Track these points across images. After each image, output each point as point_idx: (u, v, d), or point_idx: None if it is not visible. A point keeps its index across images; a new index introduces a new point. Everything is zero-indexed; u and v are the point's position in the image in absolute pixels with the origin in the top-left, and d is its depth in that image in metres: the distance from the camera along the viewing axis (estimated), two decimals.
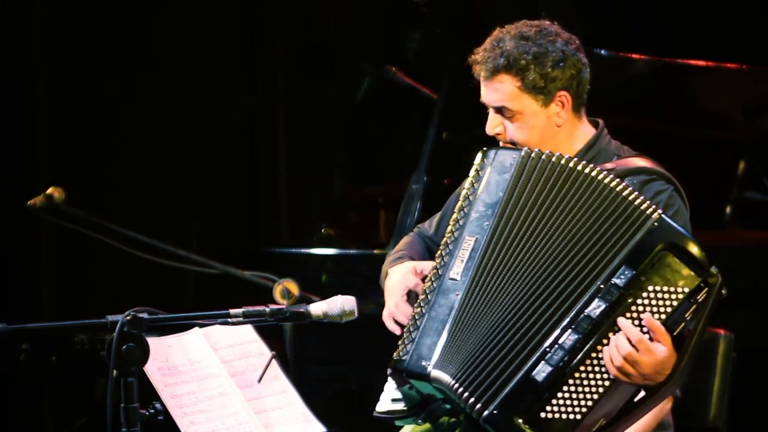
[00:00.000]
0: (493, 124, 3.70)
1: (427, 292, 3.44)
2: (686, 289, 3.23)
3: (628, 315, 3.25)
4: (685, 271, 3.25)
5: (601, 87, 5.90)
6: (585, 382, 3.27)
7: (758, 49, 6.15)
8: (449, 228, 3.49)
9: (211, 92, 6.74)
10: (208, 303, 5.91)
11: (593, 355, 3.26)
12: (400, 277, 3.62)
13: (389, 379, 3.50)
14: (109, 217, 5.06)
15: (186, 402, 3.49)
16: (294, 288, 4.82)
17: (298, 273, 4.95)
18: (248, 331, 3.68)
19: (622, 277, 3.26)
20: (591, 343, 3.26)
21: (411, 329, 3.42)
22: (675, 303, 3.23)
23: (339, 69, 7.13)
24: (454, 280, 3.42)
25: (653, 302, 3.24)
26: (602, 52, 5.84)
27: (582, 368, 3.26)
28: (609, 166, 3.57)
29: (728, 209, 6.13)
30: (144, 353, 3.12)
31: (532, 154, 3.46)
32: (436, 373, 3.35)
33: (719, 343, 3.89)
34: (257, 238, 6.99)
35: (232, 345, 3.65)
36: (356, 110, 7.14)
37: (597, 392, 3.26)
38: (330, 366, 5.36)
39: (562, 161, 3.43)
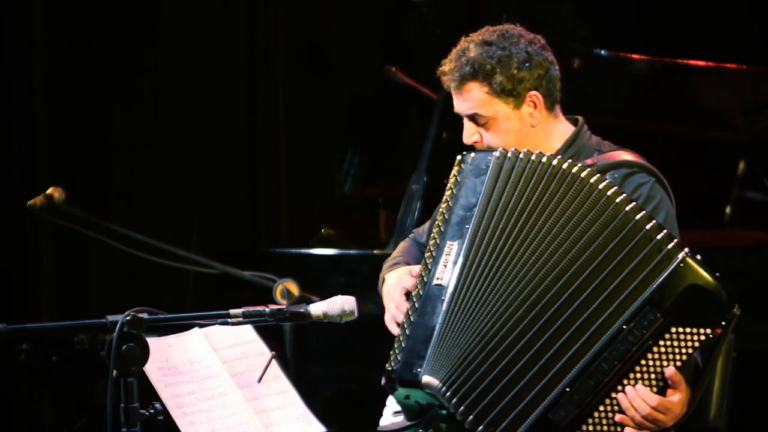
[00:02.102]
0: (469, 133, 3.69)
1: (414, 299, 3.42)
2: (708, 331, 3.20)
3: (649, 356, 3.22)
4: (709, 314, 3.21)
5: (602, 87, 5.92)
6: (604, 422, 3.24)
7: (758, 49, 6.15)
8: (432, 234, 3.47)
9: (212, 92, 6.74)
10: (208, 303, 5.93)
11: (612, 395, 3.24)
12: (395, 279, 3.62)
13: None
14: (109, 216, 5.06)
15: (186, 402, 3.49)
16: (294, 288, 4.83)
17: (298, 273, 4.95)
18: (248, 331, 3.68)
19: (646, 320, 3.21)
20: (612, 384, 3.23)
21: (401, 338, 3.41)
22: (696, 344, 3.21)
23: (339, 69, 7.13)
24: (439, 285, 3.39)
25: (674, 343, 3.21)
26: (602, 52, 5.84)
27: (601, 408, 3.24)
28: (589, 161, 3.55)
29: (728, 209, 6.13)
30: (144, 353, 3.12)
31: (508, 154, 3.44)
32: (427, 378, 3.34)
33: None
34: (257, 238, 6.99)
35: (232, 345, 3.65)
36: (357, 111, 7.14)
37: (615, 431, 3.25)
38: (330, 366, 5.36)
39: (543, 159, 3.40)
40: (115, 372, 3.09)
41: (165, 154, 6.62)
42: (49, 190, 4.95)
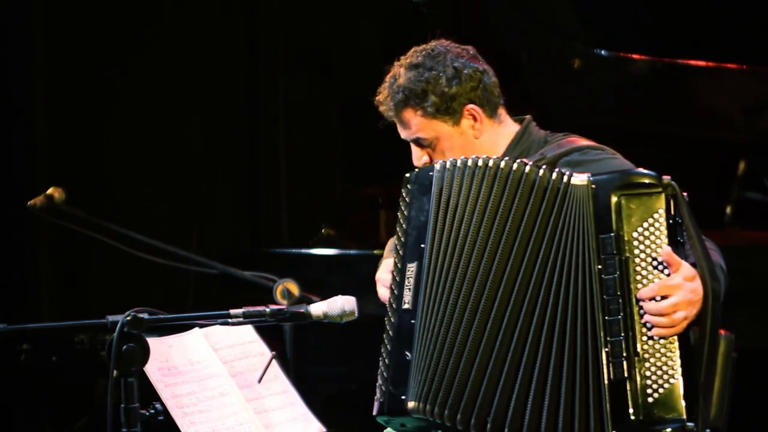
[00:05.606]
0: (418, 156, 3.71)
1: (388, 327, 3.41)
2: (660, 210, 3.21)
3: (637, 267, 3.19)
4: (647, 197, 3.21)
5: (601, 87, 5.92)
6: (651, 347, 3.20)
7: (758, 49, 6.15)
8: (393, 261, 3.46)
9: (212, 92, 6.74)
10: (208, 303, 5.92)
11: (637, 318, 3.20)
12: (385, 265, 3.63)
13: None
14: (109, 217, 5.07)
15: (186, 402, 3.49)
16: (294, 288, 4.83)
17: (298, 273, 4.95)
18: (248, 331, 3.68)
19: (609, 246, 3.20)
20: (631, 316, 3.20)
21: (382, 370, 3.40)
22: (662, 227, 3.20)
23: (339, 69, 7.13)
24: (408, 310, 3.37)
25: (645, 242, 3.20)
26: (602, 52, 5.84)
27: (640, 345, 3.21)
28: (536, 156, 3.53)
29: (728, 209, 6.13)
30: (144, 353, 3.13)
31: (447, 165, 3.41)
32: (411, 404, 3.33)
33: (719, 343, 3.88)
34: (257, 238, 7.00)
35: (233, 345, 3.65)
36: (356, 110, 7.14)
37: (672, 357, 3.21)
38: (330, 366, 5.36)
39: (488, 163, 3.35)
40: (115, 372, 3.10)
41: (165, 154, 6.63)
42: (49, 190, 4.95)
